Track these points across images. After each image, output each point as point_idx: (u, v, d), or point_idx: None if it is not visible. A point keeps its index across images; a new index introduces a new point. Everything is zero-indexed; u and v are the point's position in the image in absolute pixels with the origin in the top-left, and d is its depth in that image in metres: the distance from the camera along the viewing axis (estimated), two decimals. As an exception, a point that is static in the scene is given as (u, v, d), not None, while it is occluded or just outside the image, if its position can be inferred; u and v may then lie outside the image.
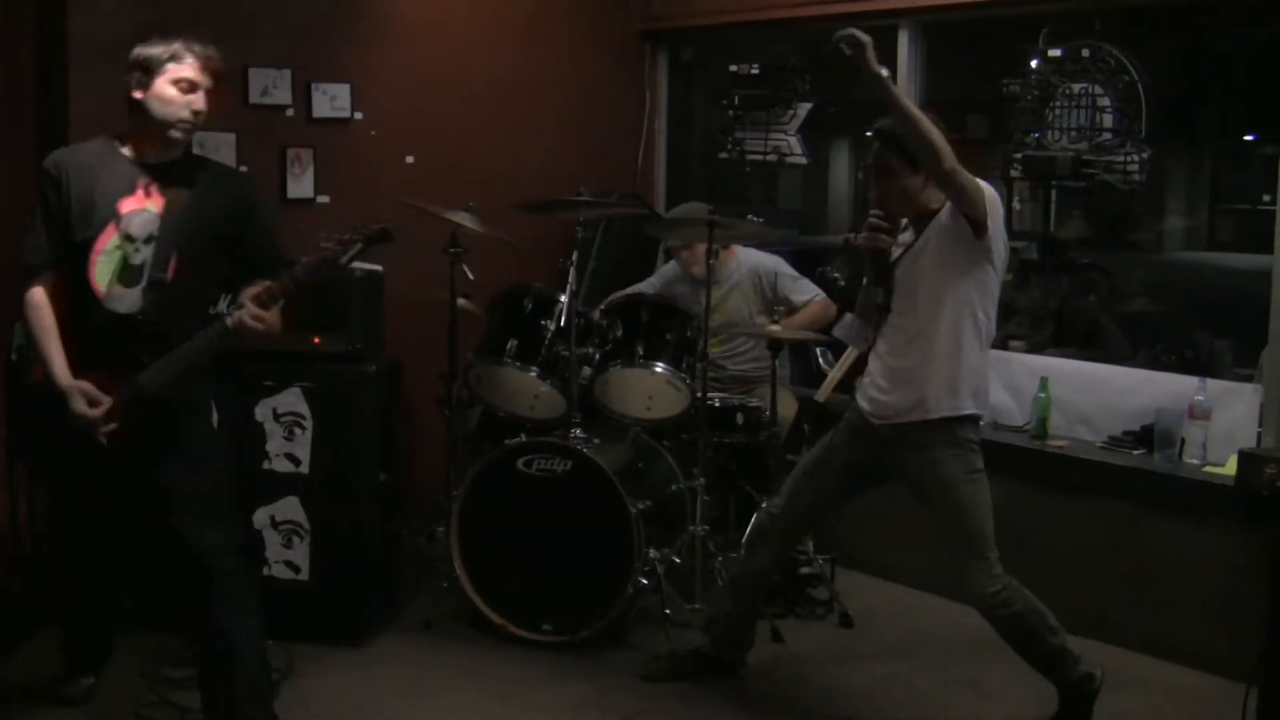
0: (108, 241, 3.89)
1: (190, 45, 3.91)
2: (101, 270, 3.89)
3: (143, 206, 3.91)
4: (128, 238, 3.89)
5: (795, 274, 6.08)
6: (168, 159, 3.97)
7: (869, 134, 4.45)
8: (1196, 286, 6.55)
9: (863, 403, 4.54)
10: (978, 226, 4.25)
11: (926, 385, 4.37)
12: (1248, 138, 6.57)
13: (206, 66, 3.92)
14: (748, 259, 6.12)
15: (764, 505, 4.87)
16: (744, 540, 4.93)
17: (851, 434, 4.61)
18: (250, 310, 3.81)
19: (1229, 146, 6.61)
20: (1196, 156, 6.54)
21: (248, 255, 4.06)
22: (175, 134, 3.92)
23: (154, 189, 3.93)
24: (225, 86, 4.04)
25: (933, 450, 4.39)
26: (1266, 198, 6.39)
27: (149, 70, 3.89)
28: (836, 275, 7.02)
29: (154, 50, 3.89)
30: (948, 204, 4.32)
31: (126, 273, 3.89)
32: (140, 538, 4.22)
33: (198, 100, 3.90)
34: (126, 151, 3.97)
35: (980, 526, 4.36)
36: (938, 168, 4.12)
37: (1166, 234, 6.61)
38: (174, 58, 3.88)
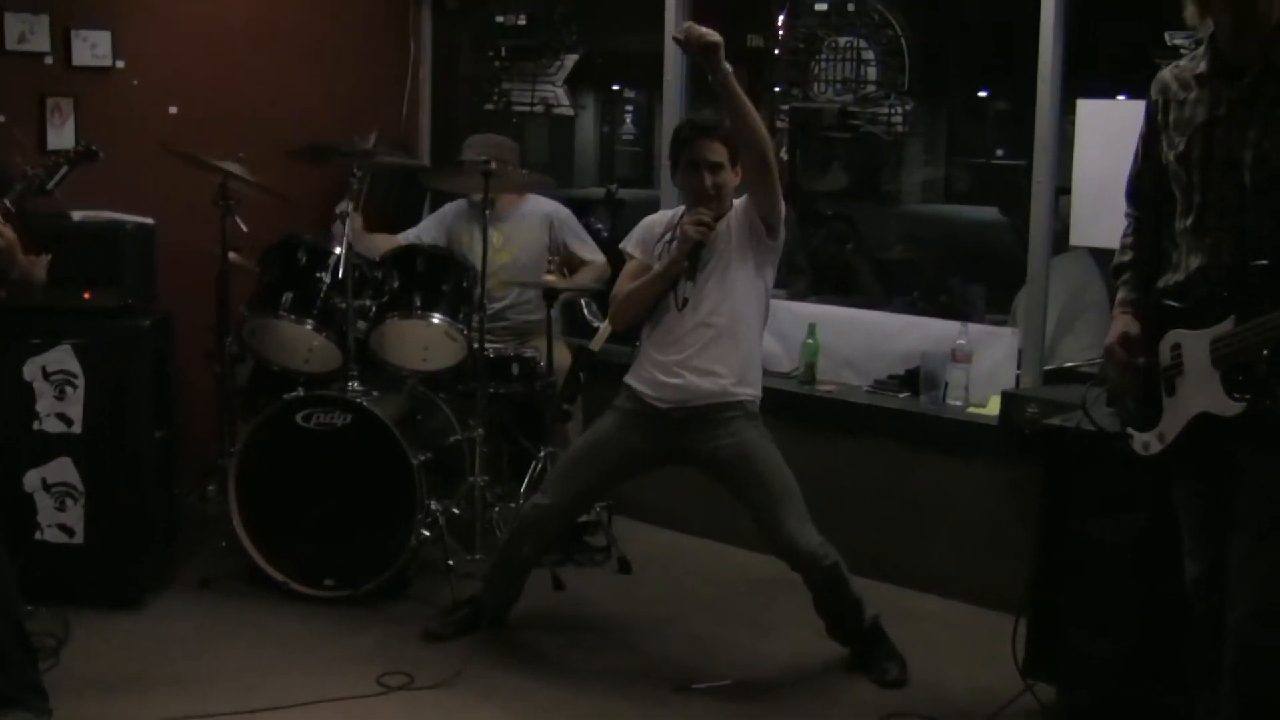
0: None
1: None
2: None
3: None
4: None
5: (583, 231, 6.17)
6: None
7: (695, 127, 4.53)
8: (944, 236, 6.81)
9: (648, 389, 4.61)
10: (772, 229, 4.49)
11: (728, 371, 4.54)
12: (981, 93, 6.84)
13: None
14: (539, 204, 6.15)
15: (532, 500, 4.86)
16: (510, 532, 4.91)
17: (631, 421, 4.67)
18: None
19: (966, 101, 6.87)
20: (938, 111, 6.76)
21: None
22: None
23: None
24: None
25: (731, 424, 4.55)
26: (1000, 152, 6.72)
27: None
28: (600, 226, 7.12)
29: None
30: (738, 203, 4.53)
31: None
32: None
33: None
34: None
35: (794, 482, 4.53)
36: (765, 165, 4.32)
37: (908, 186, 6.84)
38: None
